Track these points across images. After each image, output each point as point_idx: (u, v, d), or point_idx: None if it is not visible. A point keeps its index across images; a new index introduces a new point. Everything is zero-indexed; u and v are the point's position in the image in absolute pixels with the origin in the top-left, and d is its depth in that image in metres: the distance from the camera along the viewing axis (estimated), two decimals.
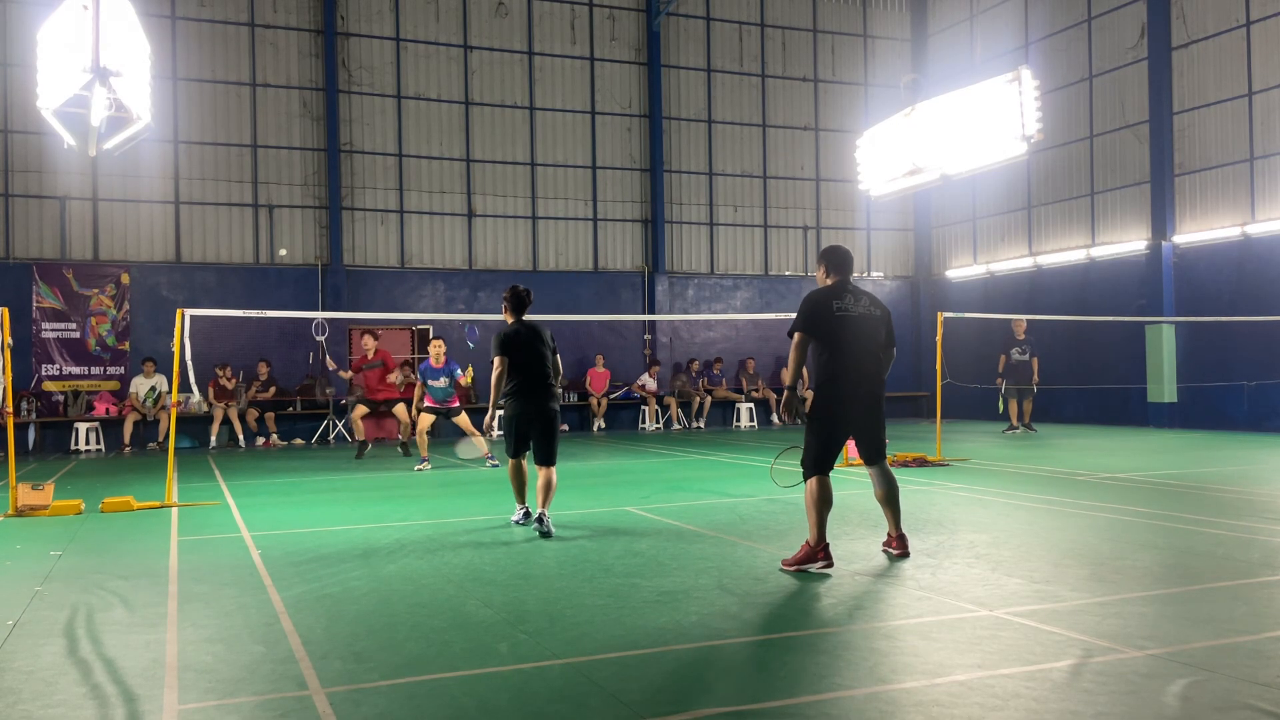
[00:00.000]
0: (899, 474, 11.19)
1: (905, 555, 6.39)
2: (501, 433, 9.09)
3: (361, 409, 15.06)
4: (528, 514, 8.02)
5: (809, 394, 6.57)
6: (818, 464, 6.22)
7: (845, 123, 23.64)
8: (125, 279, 18.78)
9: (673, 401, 21.30)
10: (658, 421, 21.21)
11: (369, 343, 15.07)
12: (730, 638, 4.56)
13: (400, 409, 15.04)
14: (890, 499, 6.43)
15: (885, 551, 6.51)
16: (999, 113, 12.60)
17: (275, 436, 18.47)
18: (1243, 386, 17.29)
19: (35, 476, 11.73)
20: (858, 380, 6.23)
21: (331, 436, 19.03)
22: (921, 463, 12.16)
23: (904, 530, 6.56)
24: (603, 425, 20.87)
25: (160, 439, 17.29)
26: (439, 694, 3.88)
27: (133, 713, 3.71)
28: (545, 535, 7.44)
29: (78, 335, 18.44)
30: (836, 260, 6.48)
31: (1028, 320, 18.33)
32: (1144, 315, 18.58)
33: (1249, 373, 17.16)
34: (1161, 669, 3.97)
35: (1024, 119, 12.25)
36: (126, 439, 17.43)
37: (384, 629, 4.82)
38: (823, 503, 6.11)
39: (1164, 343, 18.44)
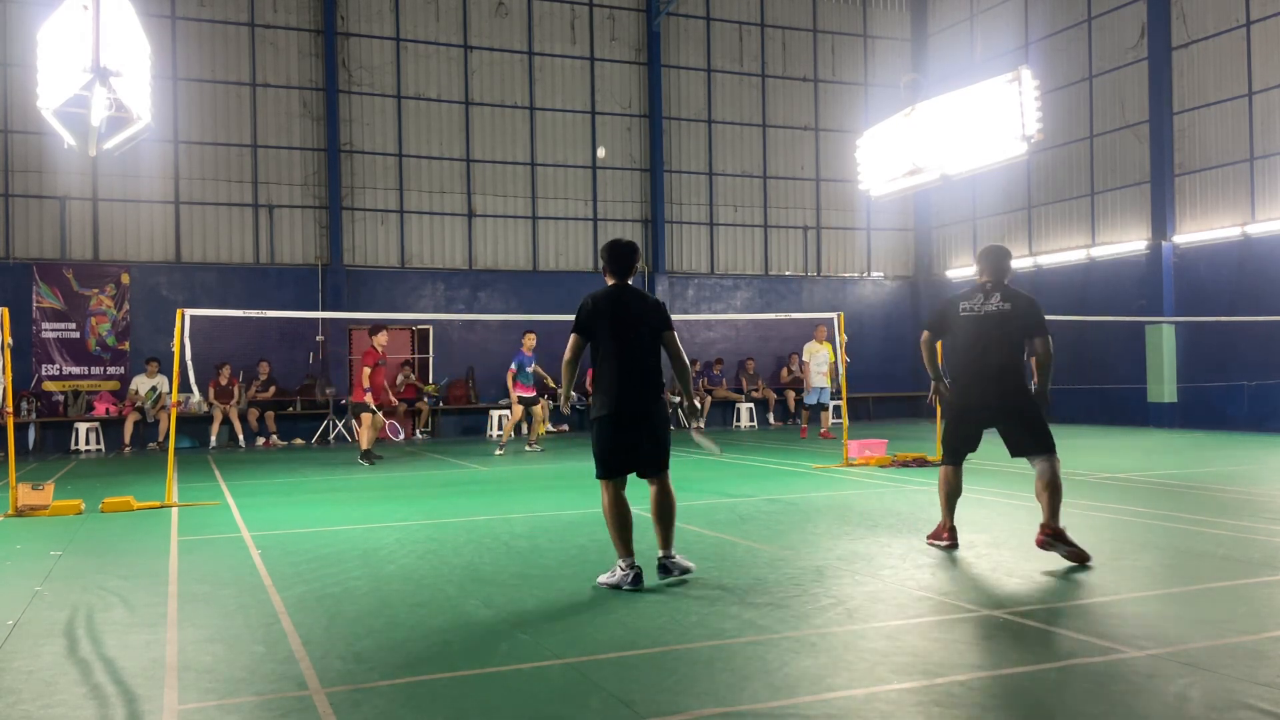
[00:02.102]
0: (899, 473, 11.24)
1: (1044, 545, 6.12)
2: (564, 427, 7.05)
3: (368, 416, 14.32)
4: (639, 575, 5.61)
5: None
6: (949, 454, 6.79)
7: (845, 123, 23.64)
8: (125, 279, 18.79)
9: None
10: None
11: (384, 338, 14.60)
12: (730, 638, 4.56)
13: (366, 417, 14.35)
14: (1044, 493, 6.22)
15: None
16: (999, 113, 12.60)
17: (275, 436, 18.47)
18: (1243, 386, 17.29)
19: (35, 476, 11.72)
20: (978, 378, 6.50)
21: (332, 436, 19.03)
22: (922, 463, 12.16)
23: (1058, 523, 6.13)
24: None
25: (160, 439, 17.29)
26: (439, 694, 3.88)
27: (133, 713, 3.71)
28: (670, 573, 5.74)
29: (78, 335, 18.44)
30: (985, 260, 6.73)
31: None
32: (1144, 315, 18.57)
33: (1249, 373, 17.16)
34: (1161, 669, 3.97)
35: (1024, 119, 12.26)
36: (126, 439, 17.43)
37: (384, 629, 4.82)
38: (946, 490, 6.71)
39: (1164, 343, 18.44)
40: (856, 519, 8.01)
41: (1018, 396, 6.47)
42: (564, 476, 12.09)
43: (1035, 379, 6.73)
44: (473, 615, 5.08)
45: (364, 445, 14.48)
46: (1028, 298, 6.64)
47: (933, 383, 7.01)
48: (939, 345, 6.97)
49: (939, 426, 7.39)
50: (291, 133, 20.04)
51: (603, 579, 5.74)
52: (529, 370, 15.59)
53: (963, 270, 23.61)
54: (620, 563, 5.69)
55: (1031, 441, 6.42)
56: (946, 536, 6.68)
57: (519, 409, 15.95)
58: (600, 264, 6.21)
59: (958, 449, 6.71)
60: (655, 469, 5.89)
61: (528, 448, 15.89)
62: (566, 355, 6.10)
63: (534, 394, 15.88)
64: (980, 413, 6.55)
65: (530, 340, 15.75)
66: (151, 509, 9.29)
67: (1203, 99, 18.24)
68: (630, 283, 6.11)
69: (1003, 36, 22.20)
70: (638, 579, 5.60)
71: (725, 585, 5.63)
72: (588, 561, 6.41)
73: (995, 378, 6.45)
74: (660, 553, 5.79)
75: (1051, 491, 6.22)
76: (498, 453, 15.37)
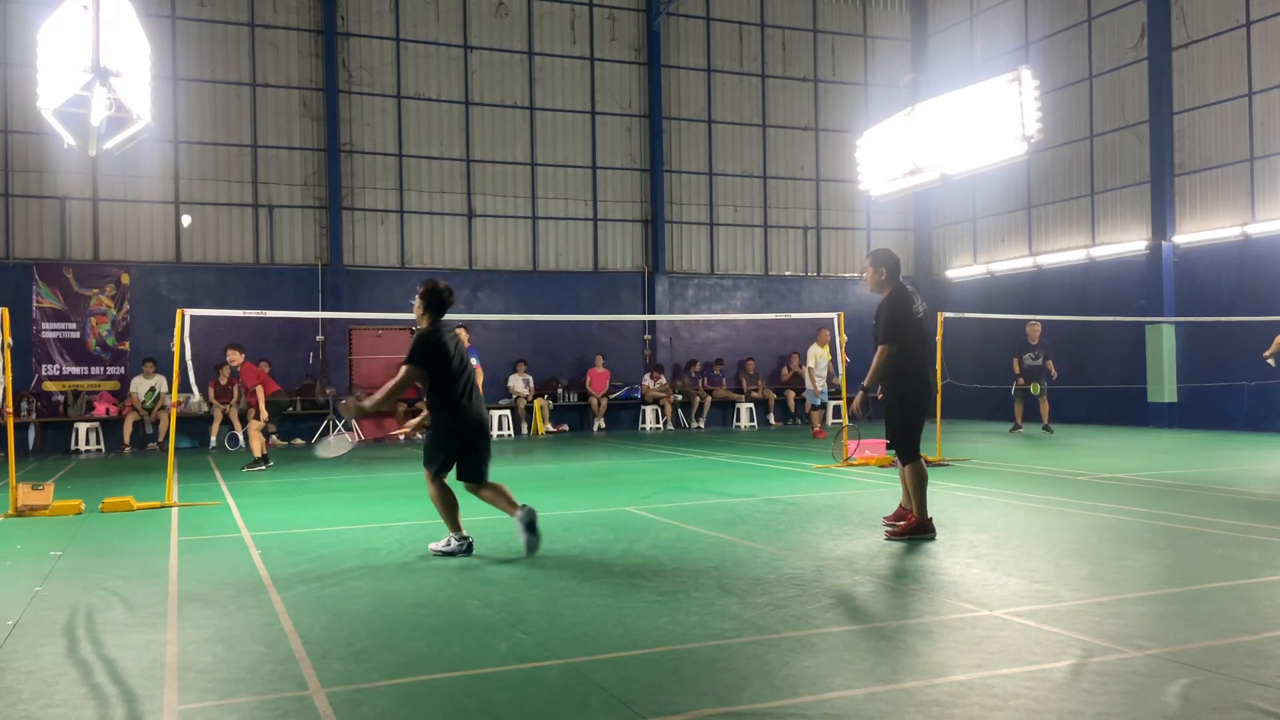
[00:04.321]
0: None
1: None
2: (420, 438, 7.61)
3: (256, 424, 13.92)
4: (470, 545, 6.70)
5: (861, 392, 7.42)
6: (917, 448, 7.12)
7: (845, 123, 23.63)
8: (125, 279, 18.78)
9: (661, 395, 21.26)
10: (658, 421, 21.22)
11: (234, 358, 13.97)
12: (730, 638, 4.56)
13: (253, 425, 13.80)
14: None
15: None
16: (999, 113, 12.60)
17: (275, 437, 18.44)
18: (1243, 386, 17.28)
19: (35, 476, 11.73)
20: (931, 374, 7.24)
21: (331, 436, 19.01)
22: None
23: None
24: (603, 425, 20.88)
25: (160, 439, 17.29)
26: (439, 694, 3.88)
27: (133, 713, 3.71)
28: (533, 531, 6.57)
29: (78, 335, 18.44)
30: (895, 264, 7.24)
31: (1041, 324, 18.01)
32: (1144, 315, 18.56)
33: (1249, 373, 17.14)
34: (1161, 669, 3.97)
35: (1024, 119, 12.25)
36: (126, 439, 17.43)
37: (384, 629, 4.82)
38: (926, 482, 7.09)
39: (1164, 343, 18.44)
40: (856, 519, 8.01)
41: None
42: (564, 476, 12.09)
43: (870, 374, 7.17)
44: (473, 615, 5.08)
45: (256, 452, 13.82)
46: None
47: (864, 392, 7.31)
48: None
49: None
50: (291, 133, 20.04)
51: (436, 546, 6.73)
52: None
53: (963, 270, 23.63)
54: (453, 536, 6.71)
55: None
56: (930, 528, 6.98)
57: None
58: (425, 305, 7.24)
59: (920, 441, 7.19)
60: (483, 476, 6.80)
61: None
62: (402, 380, 6.74)
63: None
64: (931, 405, 7.38)
65: (460, 335, 14.91)
66: (151, 509, 9.29)
67: (1203, 99, 18.23)
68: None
69: (1003, 36, 22.19)
70: (470, 547, 6.68)
71: (725, 585, 5.63)
72: (588, 561, 6.42)
73: (934, 372, 7.32)
74: (520, 509, 6.63)
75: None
76: None
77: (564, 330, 21.37)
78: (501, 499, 6.74)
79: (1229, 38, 17.77)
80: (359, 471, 13.11)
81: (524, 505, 6.66)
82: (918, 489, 7.02)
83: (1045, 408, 17.64)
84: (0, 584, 6.09)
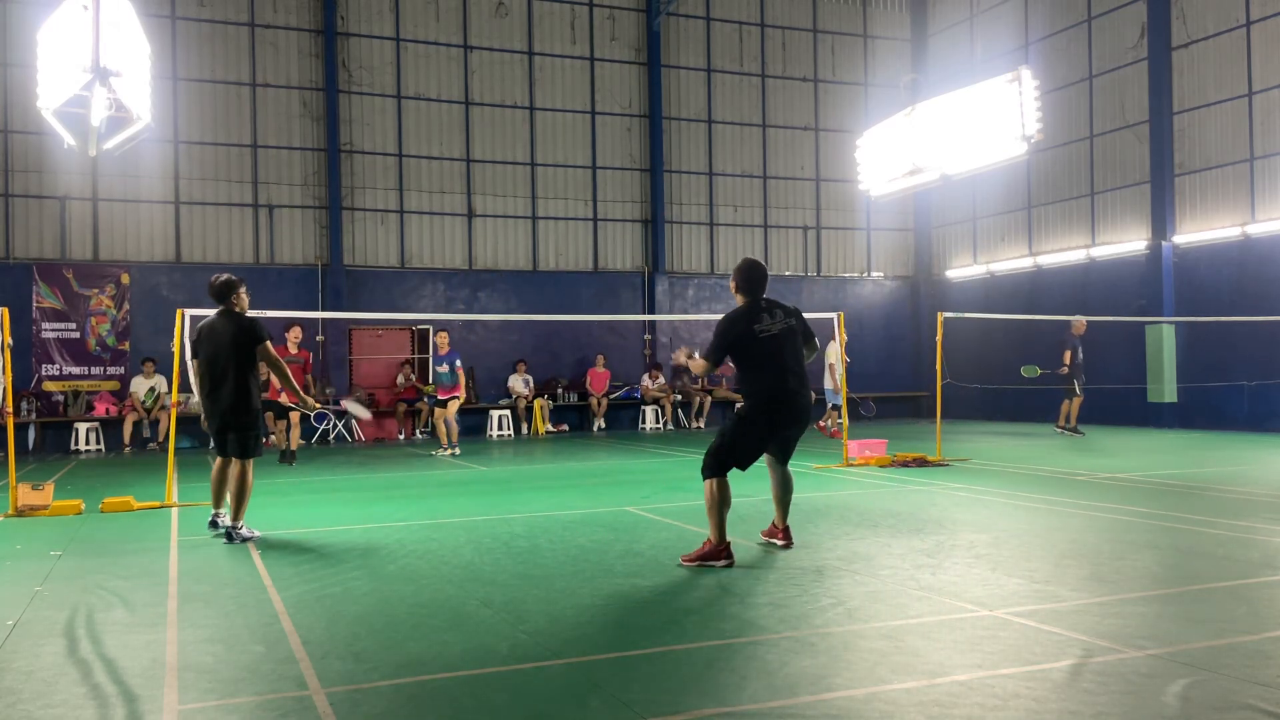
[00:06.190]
0: (899, 473, 11.25)
1: (789, 546, 6.77)
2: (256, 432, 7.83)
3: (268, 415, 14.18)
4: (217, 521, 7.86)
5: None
6: (725, 467, 6.46)
7: (845, 123, 23.63)
8: (125, 279, 18.78)
9: (660, 395, 21.26)
10: (658, 421, 21.23)
11: (295, 334, 14.56)
12: (730, 638, 4.56)
13: (294, 416, 14.23)
14: (785, 497, 6.89)
15: (769, 542, 6.90)
16: (999, 113, 12.61)
17: (275, 436, 18.44)
18: (1243, 386, 17.28)
19: (35, 476, 11.73)
20: (790, 394, 6.40)
21: (331, 436, 19.03)
22: (921, 463, 12.16)
23: (789, 524, 6.93)
24: (603, 425, 20.88)
25: (160, 439, 17.29)
26: (439, 694, 3.88)
27: (133, 713, 3.71)
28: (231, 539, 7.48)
29: (78, 335, 18.44)
30: (745, 276, 6.55)
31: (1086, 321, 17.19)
32: (1144, 315, 18.56)
33: (1249, 373, 17.15)
34: (1161, 669, 3.97)
35: (1024, 119, 12.26)
36: (126, 439, 17.42)
37: (384, 629, 4.82)
38: (725, 503, 6.36)
39: (1164, 343, 18.44)
40: (856, 519, 8.01)
41: (810, 408, 6.67)
42: (564, 476, 12.09)
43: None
44: (473, 615, 5.08)
45: (293, 445, 14.08)
46: (796, 309, 6.70)
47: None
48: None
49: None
50: (291, 133, 20.04)
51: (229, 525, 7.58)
52: (439, 370, 15.50)
53: (963, 270, 23.63)
54: (222, 511, 7.82)
55: (791, 449, 6.82)
56: (724, 554, 6.21)
57: (437, 412, 15.65)
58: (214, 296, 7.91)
59: (740, 463, 6.51)
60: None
61: (439, 453, 15.36)
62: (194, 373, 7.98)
63: (451, 395, 15.45)
64: (787, 430, 6.57)
65: (441, 339, 15.75)
66: (151, 509, 9.29)
67: (1203, 99, 18.23)
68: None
69: (1003, 36, 22.19)
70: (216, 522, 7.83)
71: (725, 585, 5.63)
72: (588, 561, 6.42)
73: (804, 391, 6.51)
74: (231, 518, 7.55)
75: (790, 495, 6.90)
76: (442, 453, 15.25)
77: (564, 330, 21.37)
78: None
79: (1229, 38, 17.77)
80: (359, 471, 13.11)
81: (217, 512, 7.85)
82: (713, 510, 6.27)
83: (1075, 407, 16.83)
84: (0, 584, 6.09)
